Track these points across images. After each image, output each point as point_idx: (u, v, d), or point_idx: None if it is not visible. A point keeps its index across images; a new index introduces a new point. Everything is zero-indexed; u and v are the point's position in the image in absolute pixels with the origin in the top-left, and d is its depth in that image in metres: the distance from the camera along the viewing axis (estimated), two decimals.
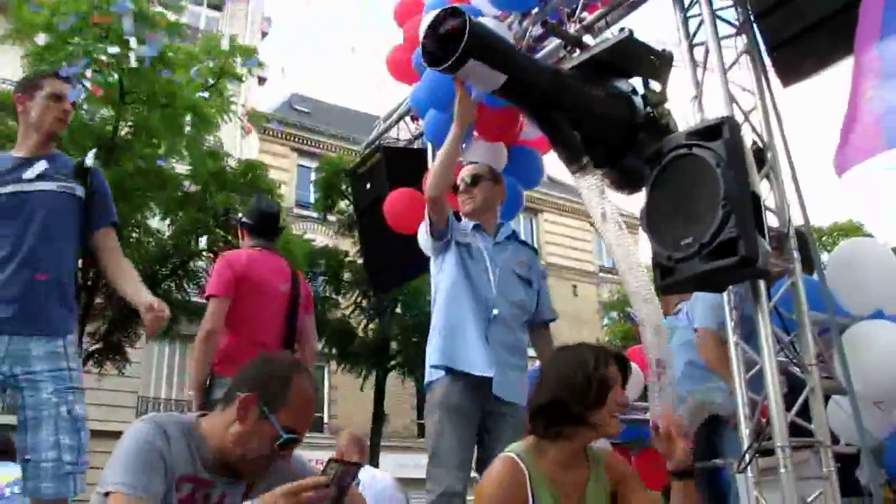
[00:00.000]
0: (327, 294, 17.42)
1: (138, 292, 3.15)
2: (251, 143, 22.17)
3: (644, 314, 3.81)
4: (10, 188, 3.15)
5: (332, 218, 17.45)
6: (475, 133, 4.67)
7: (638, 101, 3.91)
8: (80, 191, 3.26)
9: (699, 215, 3.21)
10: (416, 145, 5.74)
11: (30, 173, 3.18)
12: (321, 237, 18.20)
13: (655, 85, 3.91)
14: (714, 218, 3.14)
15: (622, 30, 3.87)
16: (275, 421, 2.16)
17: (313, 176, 21.66)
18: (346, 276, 17.33)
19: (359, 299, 17.14)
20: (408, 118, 5.68)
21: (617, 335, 18.92)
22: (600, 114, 3.81)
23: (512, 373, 3.65)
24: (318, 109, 29.06)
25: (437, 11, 3.44)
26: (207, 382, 3.97)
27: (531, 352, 3.90)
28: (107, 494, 2.01)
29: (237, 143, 20.07)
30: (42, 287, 3.09)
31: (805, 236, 3.75)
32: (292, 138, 25.92)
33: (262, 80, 23.03)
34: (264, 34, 26.02)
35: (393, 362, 17.09)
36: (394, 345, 17.06)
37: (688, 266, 3.26)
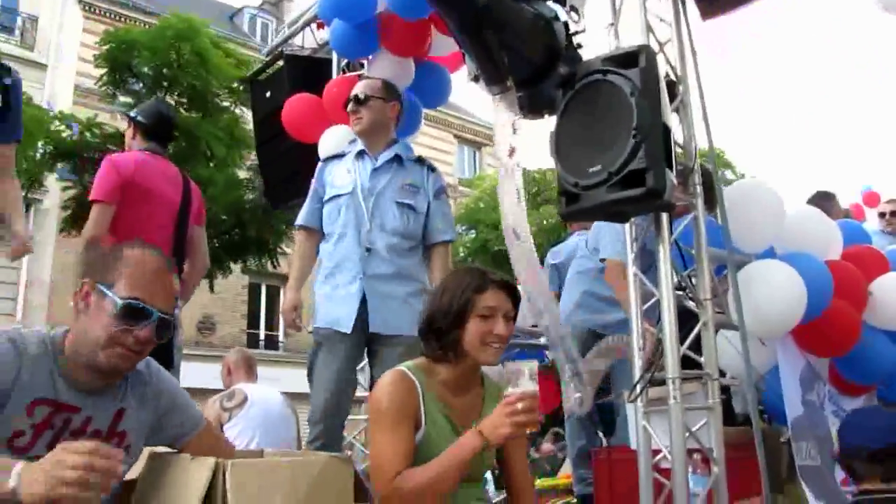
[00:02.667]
0: None
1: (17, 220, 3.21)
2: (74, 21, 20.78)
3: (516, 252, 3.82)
4: None
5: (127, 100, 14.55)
6: (382, 46, 4.53)
7: (559, 27, 3.86)
8: None
9: (609, 143, 3.19)
10: (320, 55, 5.50)
11: None
12: (104, 116, 15.19)
13: (573, 13, 3.89)
14: (624, 147, 3.13)
15: None
16: (113, 294, 2.03)
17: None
18: None
19: None
20: (313, 26, 5.42)
21: (469, 249, 19.25)
22: (527, 37, 3.74)
23: (392, 302, 3.64)
24: None
25: None
26: None
27: None
28: None
29: None
30: None
31: (710, 173, 3.83)
32: (93, 9, 21.22)
33: None
34: None
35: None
36: None
37: (594, 194, 3.25)
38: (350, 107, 3.87)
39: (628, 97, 3.19)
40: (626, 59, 3.26)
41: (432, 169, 3.96)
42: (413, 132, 4.77)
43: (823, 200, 5.49)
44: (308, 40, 5.47)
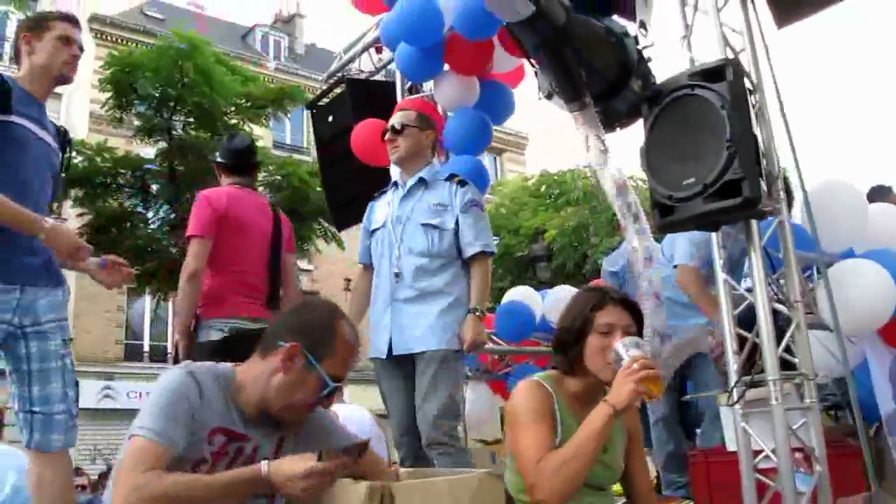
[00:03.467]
0: (130, 209, 14.84)
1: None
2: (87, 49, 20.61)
3: (639, 248, 3.97)
4: (24, 122, 3.02)
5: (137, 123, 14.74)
6: (446, 66, 4.68)
7: (630, 42, 3.99)
8: (58, 159, 3.22)
9: (702, 156, 3.33)
10: (378, 77, 5.67)
11: (38, 118, 3.09)
12: (119, 142, 15.63)
13: (642, 29, 4.02)
14: (718, 159, 3.26)
15: None
16: (322, 371, 2.17)
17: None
18: (155, 187, 14.86)
19: (170, 215, 14.67)
20: (371, 50, 5.59)
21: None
22: (601, 53, 3.87)
23: (419, 320, 3.71)
24: (174, 15, 25.17)
25: None
26: (193, 325, 3.95)
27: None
28: (132, 437, 2.04)
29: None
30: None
31: (788, 178, 3.95)
32: (131, 45, 21.23)
33: None
34: None
35: None
36: None
37: (690, 206, 3.39)
38: (387, 136, 3.99)
39: (719, 110, 3.31)
40: (713, 74, 3.38)
41: (463, 184, 3.98)
42: (483, 148, 4.86)
43: (880, 194, 5.59)
44: (364, 63, 5.66)
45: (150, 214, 14.93)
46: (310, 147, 22.22)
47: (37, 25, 3.17)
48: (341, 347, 2.23)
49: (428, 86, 5.12)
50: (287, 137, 25.80)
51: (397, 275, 3.78)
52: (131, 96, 13.93)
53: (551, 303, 6.05)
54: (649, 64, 3.99)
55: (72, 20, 3.21)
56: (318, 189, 12.39)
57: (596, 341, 2.62)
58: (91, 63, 20.20)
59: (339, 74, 5.77)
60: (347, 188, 5.37)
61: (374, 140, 4.85)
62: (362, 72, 5.71)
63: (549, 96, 4.19)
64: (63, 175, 3.25)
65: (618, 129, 4.03)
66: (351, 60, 5.79)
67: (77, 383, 3.07)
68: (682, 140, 3.42)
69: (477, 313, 3.64)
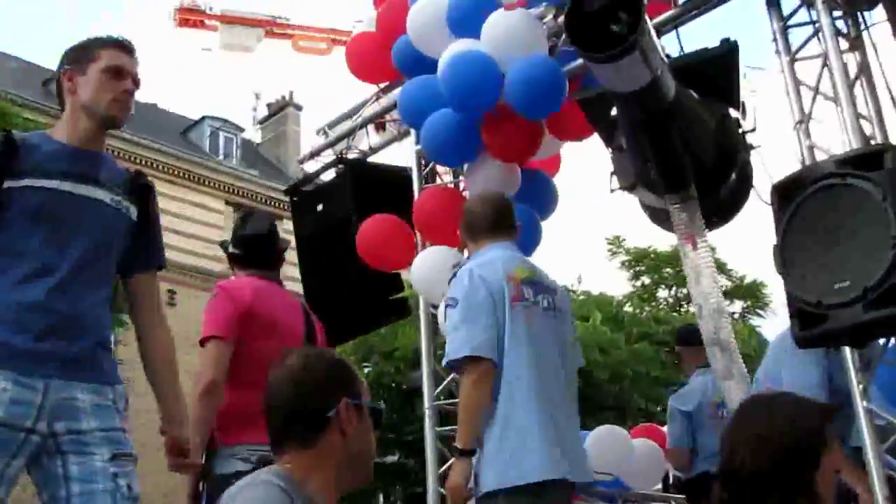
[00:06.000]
0: None
1: (175, 405, 2.70)
2: None
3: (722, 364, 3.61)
4: (55, 183, 2.53)
5: None
6: (486, 152, 4.27)
7: (730, 124, 3.72)
8: (133, 212, 2.72)
9: (860, 256, 3.00)
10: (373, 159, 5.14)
11: (80, 171, 2.59)
12: None
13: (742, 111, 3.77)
14: (883, 259, 2.93)
15: (726, 39, 3.66)
16: (367, 403, 2.13)
17: None
18: None
19: None
20: (369, 127, 5.02)
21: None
22: (702, 135, 3.58)
23: None
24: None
25: None
26: (204, 452, 3.22)
27: None
28: None
29: None
30: (86, 319, 2.56)
31: None
32: None
33: None
34: None
35: None
36: None
37: (845, 314, 3.00)
38: None
39: (879, 202, 3.03)
40: (867, 160, 3.05)
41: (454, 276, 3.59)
42: (534, 248, 4.27)
43: None
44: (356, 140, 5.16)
45: None
46: None
47: (80, 56, 2.70)
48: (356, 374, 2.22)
49: (444, 171, 4.76)
50: None
51: None
52: None
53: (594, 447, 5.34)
54: (754, 151, 3.77)
55: (125, 47, 2.72)
56: None
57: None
58: None
59: (340, 153, 5.03)
60: (339, 294, 4.75)
61: (388, 240, 4.48)
62: (350, 149, 5.04)
63: (630, 188, 3.85)
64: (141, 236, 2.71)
65: (717, 225, 3.75)
66: (338, 140, 5.16)
67: None
68: (830, 237, 3.06)
69: (457, 454, 3.15)
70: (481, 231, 3.39)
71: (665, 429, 5.48)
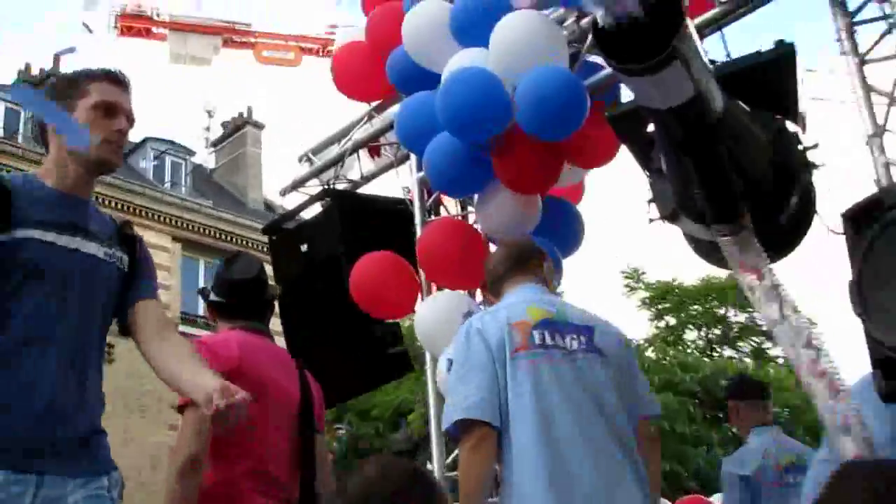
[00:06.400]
0: None
1: (199, 373, 2.58)
2: None
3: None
4: (52, 236, 2.53)
5: None
6: (499, 182, 4.06)
7: (788, 139, 3.66)
8: (125, 262, 2.74)
9: None
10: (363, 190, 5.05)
11: (71, 221, 2.61)
12: None
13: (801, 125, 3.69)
14: None
15: (780, 41, 3.62)
16: None
17: None
18: None
19: None
20: (360, 152, 4.88)
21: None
22: (755, 153, 3.54)
23: None
24: None
25: None
26: None
27: None
28: None
29: None
30: (80, 397, 2.54)
31: None
32: None
33: None
34: None
35: None
36: None
37: None
38: None
39: None
40: None
41: None
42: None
43: None
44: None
45: None
46: None
47: (67, 90, 2.69)
48: None
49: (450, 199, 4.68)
50: None
51: None
52: None
53: None
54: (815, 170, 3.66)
55: (118, 80, 2.70)
56: None
57: None
58: None
59: (327, 183, 5.03)
60: (331, 352, 4.59)
61: (387, 281, 4.31)
62: (336, 180, 5.02)
63: (672, 217, 3.77)
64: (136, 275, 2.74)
65: (779, 258, 3.66)
66: (325, 168, 5.06)
67: None
68: None
69: None
70: (499, 278, 3.30)
71: (715, 498, 5.40)
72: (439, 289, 4.38)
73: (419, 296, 4.38)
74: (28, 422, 2.40)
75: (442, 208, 4.79)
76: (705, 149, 3.31)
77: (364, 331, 4.53)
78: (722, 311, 21.15)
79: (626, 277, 21.74)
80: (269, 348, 3.46)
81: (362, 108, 5.11)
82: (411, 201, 4.74)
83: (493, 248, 4.19)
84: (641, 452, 3.12)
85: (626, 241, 48.12)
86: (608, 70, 3.96)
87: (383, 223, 4.53)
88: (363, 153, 4.99)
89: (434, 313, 4.14)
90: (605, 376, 3.14)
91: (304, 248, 4.73)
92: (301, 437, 3.43)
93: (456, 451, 4.49)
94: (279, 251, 5.01)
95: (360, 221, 4.57)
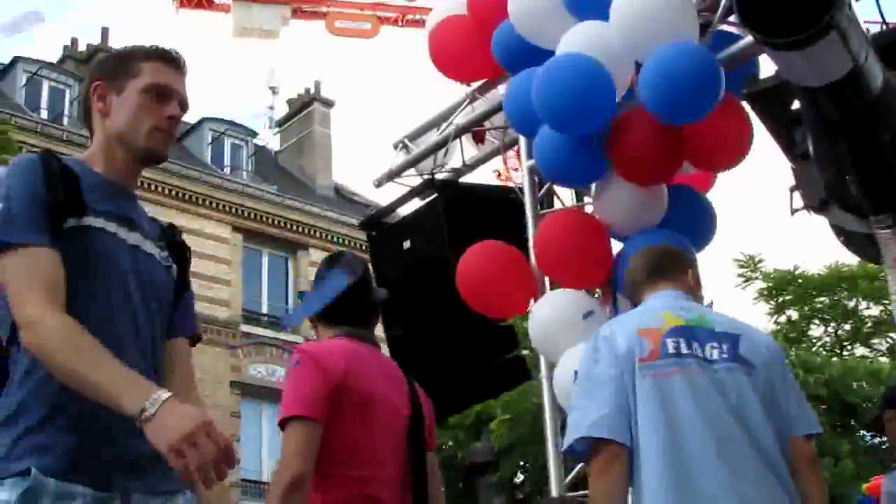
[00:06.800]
0: None
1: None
2: None
3: None
4: (113, 227, 2.51)
5: None
6: (616, 173, 4.09)
7: None
8: (175, 271, 2.73)
9: None
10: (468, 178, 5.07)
11: (125, 214, 2.59)
12: None
13: None
14: None
15: None
16: None
17: None
18: None
19: None
20: (464, 138, 4.99)
21: None
22: None
23: None
24: None
25: None
26: None
27: None
28: None
29: None
30: None
31: None
32: None
33: None
34: None
35: None
36: None
37: None
38: None
39: None
40: None
41: None
42: None
43: None
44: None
45: None
46: None
47: (116, 68, 2.66)
48: None
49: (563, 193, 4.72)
50: None
51: None
52: None
53: None
54: None
55: (173, 60, 2.66)
56: None
57: None
58: None
59: (426, 175, 5.12)
60: (439, 358, 4.70)
61: (500, 274, 4.35)
62: (436, 169, 5.16)
63: (821, 207, 3.80)
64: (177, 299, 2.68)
65: None
66: (424, 156, 5.14)
67: None
68: None
69: None
70: (638, 284, 3.33)
71: None
72: (551, 288, 4.28)
73: (534, 294, 4.31)
74: (109, 433, 2.38)
75: (556, 198, 4.78)
76: (864, 131, 3.30)
77: (475, 335, 4.57)
78: (852, 304, 20.08)
79: (741, 266, 20.64)
80: (376, 358, 3.43)
81: (457, 88, 5.13)
82: (521, 190, 4.66)
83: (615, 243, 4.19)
84: (797, 474, 3.10)
85: (739, 224, 46.97)
86: (743, 42, 3.91)
87: (492, 215, 4.51)
88: (465, 139, 5.01)
89: (552, 312, 4.14)
90: (749, 389, 3.10)
91: (406, 244, 4.76)
92: (411, 456, 3.48)
93: (575, 471, 4.62)
94: (379, 249, 5.03)
95: (468, 214, 4.53)
